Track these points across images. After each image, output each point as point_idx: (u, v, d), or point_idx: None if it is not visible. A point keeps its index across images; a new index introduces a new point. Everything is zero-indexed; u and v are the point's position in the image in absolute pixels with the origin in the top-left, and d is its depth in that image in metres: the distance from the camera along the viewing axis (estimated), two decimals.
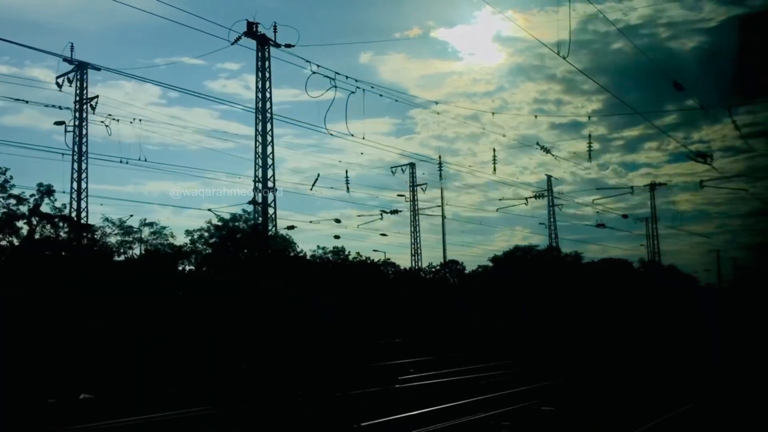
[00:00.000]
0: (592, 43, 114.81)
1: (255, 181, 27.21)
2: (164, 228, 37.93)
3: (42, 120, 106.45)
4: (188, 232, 41.38)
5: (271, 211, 28.18)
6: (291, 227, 35.31)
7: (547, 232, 61.49)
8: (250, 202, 27.39)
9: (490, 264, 61.94)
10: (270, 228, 28.73)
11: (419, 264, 45.18)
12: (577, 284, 54.73)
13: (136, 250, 39.49)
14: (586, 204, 61.28)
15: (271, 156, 27.45)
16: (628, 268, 64.39)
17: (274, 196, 28.22)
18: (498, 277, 58.39)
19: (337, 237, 39.05)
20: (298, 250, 47.94)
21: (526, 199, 56.30)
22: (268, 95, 27.33)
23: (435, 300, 48.88)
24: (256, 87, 27.30)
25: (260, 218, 44.55)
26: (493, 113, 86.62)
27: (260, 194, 27.62)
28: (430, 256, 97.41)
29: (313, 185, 30.72)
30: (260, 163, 27.20)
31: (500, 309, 49.70)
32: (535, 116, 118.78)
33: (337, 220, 34.57)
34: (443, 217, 52.07)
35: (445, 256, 53.59)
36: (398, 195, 43.26)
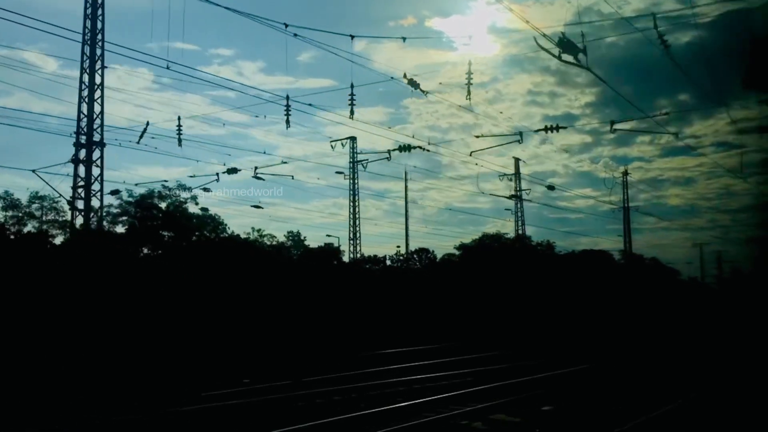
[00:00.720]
0: (587, 35, 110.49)
1: (77, 135, 21.75)
2: (58, 202, 33.50)
3: None
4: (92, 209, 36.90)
5: (96, 172, 22.95)
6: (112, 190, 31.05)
7: (530, 223, 56.67)
8: (71, 160, 22.12)
9: (457, 252, 57.36)
10: (94, 193, 23.55)
11: (358, 250, 40.60)
12: (548, 274, 50.46)
13: (29, 227, 35.07)
14: (580, 197, 56.72)
15: (99, 101, 21.86)
16: (607, 259, 59.62)
17: (101, 153, 22.79)
18: (464, 266, 53.95)
19: (205, 210, 34.65)
20: (230, 231, 43.65)
21: (505, 177, 49.64)
22: (100, 24, 21.77)
23: (384, 291, 44.51)
24: (84, 14, 21.71)
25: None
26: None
27: (83, 150, 22.00)
28: (422, 244, 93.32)
29: (140, 138, 25.44)
30: (85, 111, 21.54)
31: (462, 299, 45.57)
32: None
33: (207, 189, 29.76)
34: (406, 202, 47.46)
35: (407, 244, 49.23)
36: (336, 173, 38.36)
